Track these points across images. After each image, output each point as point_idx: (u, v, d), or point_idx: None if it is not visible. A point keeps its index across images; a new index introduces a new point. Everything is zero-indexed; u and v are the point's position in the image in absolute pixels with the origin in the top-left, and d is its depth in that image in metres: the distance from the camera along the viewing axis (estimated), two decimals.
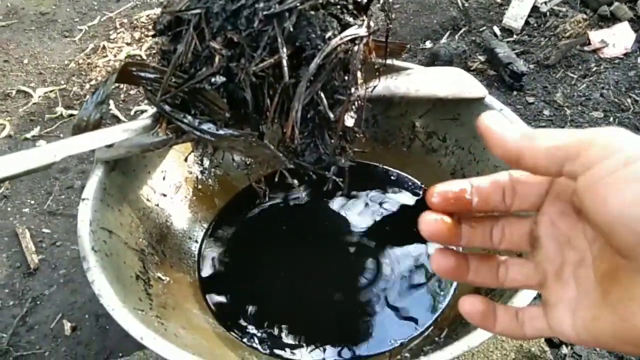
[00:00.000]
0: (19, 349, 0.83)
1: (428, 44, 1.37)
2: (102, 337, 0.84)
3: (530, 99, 1.20)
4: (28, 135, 1.19)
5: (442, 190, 0.29)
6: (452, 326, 0.64)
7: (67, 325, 0.85)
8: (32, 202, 1.06)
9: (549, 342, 0.76)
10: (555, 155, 0.24)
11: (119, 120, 1.21)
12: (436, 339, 0.64)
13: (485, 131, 0.28)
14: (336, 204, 0.84)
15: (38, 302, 0.89)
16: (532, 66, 1.28)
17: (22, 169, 0.57)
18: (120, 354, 0.81)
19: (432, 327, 0.68)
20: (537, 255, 0.28)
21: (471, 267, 0.30)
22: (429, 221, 0.29)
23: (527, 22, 1.39)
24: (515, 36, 1.37)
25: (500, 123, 0.27)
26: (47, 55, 1.42)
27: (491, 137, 0.27)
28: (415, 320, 0.69)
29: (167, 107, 0.61)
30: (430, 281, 0.74)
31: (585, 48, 1.31)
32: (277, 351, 0.68)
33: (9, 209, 1.05)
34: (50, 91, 1.30)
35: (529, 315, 0.29)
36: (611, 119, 1.15)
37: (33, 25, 1.52)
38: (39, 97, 1.29)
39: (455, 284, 0.72)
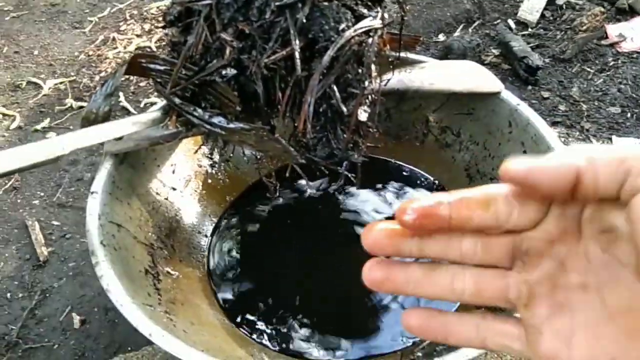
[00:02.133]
0: (28, 342, 0.83)
1: (441, 37, 1.35)
2: (111, 331, 0.83)
3: (546, 94, 1.18)
4: (38, 127, 1.19)
5: (419, 206, 0.24)
6: None
7: (76, 319, 0.85)
8: (42, 194, 1.05)
9: None
10: (617, 171, 0.21)
11: (128, 113, 1.21)
12: None
13: (526, 175, 0.22)
14: (347, 199, 0.83)
15: (47, 295, 0.89)
16: (547, 60, 1.25)
17: (31, 162, 0.56)
18: (129, 348, 0.81)
19: None
20: (522, 270, 0.24)
21: (412, 277, 0.25)
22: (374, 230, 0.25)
23: (542, 15, 1.37)
24: (530, 29, 1.34)
25: (534, 161, 0.23)
26: (57, 46, 1.41)
27: (537, 176, 0.22)
28: None
29: (177, 100, 0.60)
30: None
31: (603, 42, 1.28)
32: (286, 347, 0.67)
33: (18, 200, 1.04)
34: (60, 83, 1.30)
35: (497, 331, 0.25)
36: (629, 114, 1.12)
37: (43, 17, 1.52)
38: (49, 88, 1.28)
39: None
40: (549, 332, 0.24)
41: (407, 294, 0.26)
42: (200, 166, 0.82)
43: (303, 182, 0.84)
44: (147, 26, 1.45)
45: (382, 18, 0.59)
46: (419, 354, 0.62)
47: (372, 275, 0.25)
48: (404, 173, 0.86)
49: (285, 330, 0.69)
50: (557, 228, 0.24)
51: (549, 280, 0.24)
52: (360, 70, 0.58)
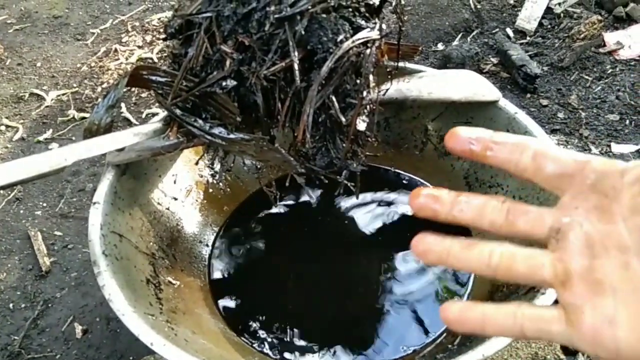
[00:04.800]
0: (31, 352, 0.84)
1: (440, 46, 1.36)
2: (113, 341, 0.84)
3: (544, 102, 1.18)
4: (40, 138, 1.20)
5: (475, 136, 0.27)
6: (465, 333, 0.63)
7: (78, 328, 0.85)
8: (44, 204, 1.06)
9: (565, 349, 0.74)
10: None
11: (130, 123, 1.22)
12: (449, 346, 0.63)
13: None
14: (347, 207, 0.84)
15: (49, 305, 0.90)
16: (546, 68, 1.26)
17: (34, 173, 0.57)
18: (131, 358, 0.81)
19: (445, 334, 0.67)
20: (559, 249, 0.25)
21: (452, 250, 0.27)
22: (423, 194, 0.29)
23: (540, 24, 1.38)
24: (528, 38, 1.35)
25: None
26: (60, 58, 1.43)
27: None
28: (427, 327, 0.68)
29: (178, 111, 0.61)
30: (443, 286, 0.73)
31: (601, 50, 1.29)
32: (287, 356, 0.68)
33: (21, 211, 1.05)
34: (63, 94, 1.31)
35: (534, 316, 0.25)
36: (627, 121, 1.13)
37: (46, 29, 1.53)
38: (52, 100, 1.30)
39: (469, 289, 0.71)
40: (591, 310, 0.24)
41: (448, 265, 0.28)
42: (201, 176, 0.82)
43: (303, 191, 0.84)
44: (148, 38, 1.47)
45: (380, 29, 0.59)
46: None
47: (417, 247, 0.28)
48: (404, 182, 0.87)
49: (286, 339, 0.69)
50: (587, 203, 0.25)
51: (584, 259, 0.24)
52: (358, 81, 0.58)
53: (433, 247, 0.28)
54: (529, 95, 1.20)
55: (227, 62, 0.57)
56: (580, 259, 0.24)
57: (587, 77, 1.24)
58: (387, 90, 0.69)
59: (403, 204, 0.84)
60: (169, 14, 1.52)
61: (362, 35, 0.57)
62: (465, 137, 0.28)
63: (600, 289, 0.24)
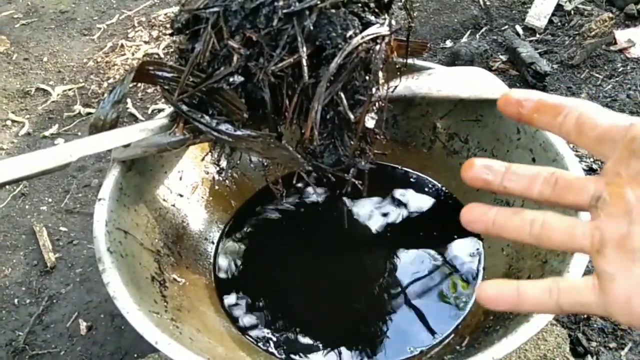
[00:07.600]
0: (35, 348, 0.83)
1: (448, 43, 1.35)
2: (118, 337, 0.83)
3: None
4: (46, 133, 1.19)
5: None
6: (474, 334, 0.62)
7: (83, 325, 0.85)
8: (50, 200, 1.06)
9: (574, 352, 0.73)
10: None
11: (136, 119, 1.21)
12: (457, 347, 0.62)
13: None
14: (354, 205, 0.83)
15: (54, 301, 0.89)
16: (555, 66, 1.24)
17: (40, 169, 0.56)
18: (136, 355, 0.81)
19: (452, 335, 0.66)
20: (598, 217, 0.25)
21: (496, 217, 0.28)
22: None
23: (550, 21, 1.36)
24: (538, 35, 1.34)
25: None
26: (66, 53, 1.42)
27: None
28: (435, 327, 0.67)
29: (184, 107, 0.61)
30: (451, 286, 0.72)
31: (611, 48, 1.27)
32: (292, 356, 0.67)
33: (26, 206, 1.05)
34: (69, 89, 1.31)
35: (569, 287, 0.26)
36: None
37: (53, 24, 1.53)
38: (58, 95, 1.29)
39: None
40: (624, 278, 0.24)
41: (492, 234, 0.29)
42: (207, 173, 0.82)
43: (310, 189, 0.84)
44: (155, 33, 1.46)
45: (390, 25, 0.58)
46: None
47: (465, 217, 0.29)
48: (411, 180, 0.86)
49: (291, 338, 0.68)
50: (629, 170, 0.25)
51: (621, 227, 0.25)
52: (367, 77, 0.57)
53: (480, 217, 0.29)
54: None
55: (235, 58, 0.56)
56: (617, 226, 0.25)
57: (597, 75, 1.22)
58: (396, 87, 0.68)
59: (410, 203, 0.83)
60: (176, 9, 1.51)
61: (372, 31, 0.56)
62: (521, 96, 0.28)
63: (635, 256, 0.24)
